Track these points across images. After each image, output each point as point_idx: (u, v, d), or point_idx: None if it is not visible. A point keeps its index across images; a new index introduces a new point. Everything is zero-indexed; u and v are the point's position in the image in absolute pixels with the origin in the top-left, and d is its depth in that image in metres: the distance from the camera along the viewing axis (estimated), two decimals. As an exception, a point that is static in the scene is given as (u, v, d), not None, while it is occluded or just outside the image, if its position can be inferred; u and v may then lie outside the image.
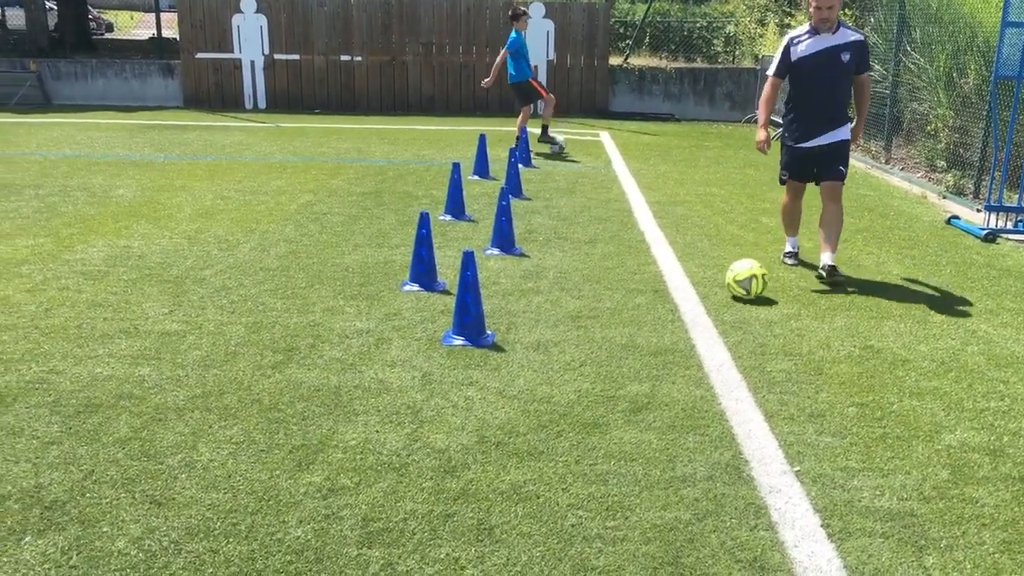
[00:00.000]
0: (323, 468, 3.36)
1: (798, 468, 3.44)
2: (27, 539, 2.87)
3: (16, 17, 20.69)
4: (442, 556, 2.83)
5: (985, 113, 8.48)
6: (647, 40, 19.90)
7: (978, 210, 8.06)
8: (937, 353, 4.71)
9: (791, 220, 6.44)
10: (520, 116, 11.67)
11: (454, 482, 3.27)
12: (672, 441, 3.63)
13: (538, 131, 12.74)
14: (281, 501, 3.12)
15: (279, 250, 6.51)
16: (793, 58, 5.91)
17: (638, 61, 18.02)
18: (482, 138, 9.96)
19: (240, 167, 10.19)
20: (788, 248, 6.49)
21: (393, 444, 3.56)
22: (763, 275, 5.46)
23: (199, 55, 16.34)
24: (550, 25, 16.20)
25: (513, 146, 10.19)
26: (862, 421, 3.86)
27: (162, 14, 18.14)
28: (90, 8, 25.47)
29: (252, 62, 16.38)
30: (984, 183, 8.46)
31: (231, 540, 2.89)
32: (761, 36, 17.55)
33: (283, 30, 16.29)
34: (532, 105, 11.86)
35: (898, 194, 9.53)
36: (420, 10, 16.26)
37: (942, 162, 9.85)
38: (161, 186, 8.93)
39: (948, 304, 5.59)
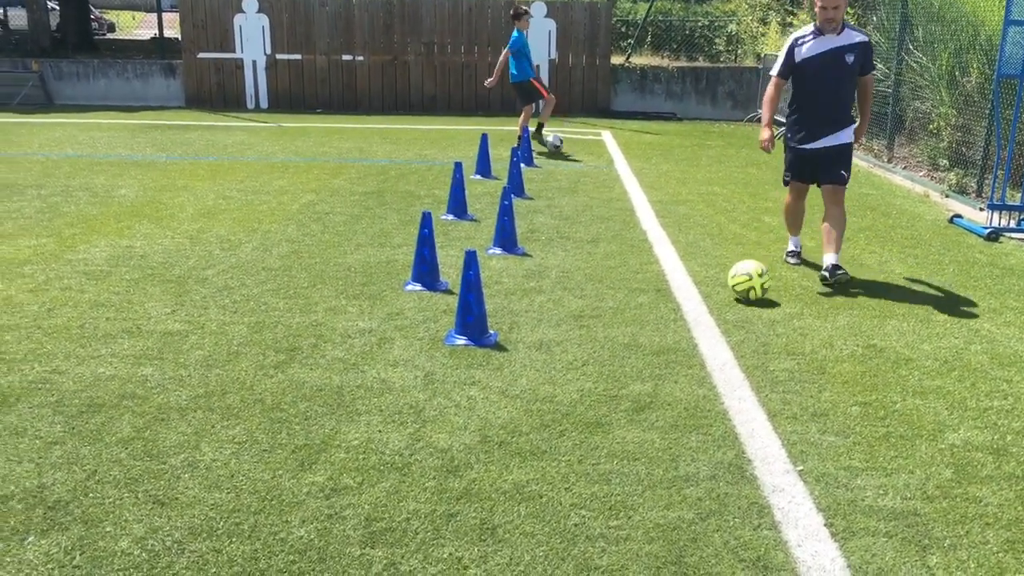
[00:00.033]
0: (326, 468, 3.36)
1: (801, 467, 3.43)
2: (30, 539, 2.87)
3: (18, 17, 20.71)
4: (445, 556, 2.83)
5: (988, 112, 8.47)
6: (649, 39, 19.90)
7: (981, 209, 8.05)
8: (940, 352, 4.70)
9: (794, 220, 6.42)
10: (522, 115, 11.67)
11: (457, 482, 3.27)
12: (675, 440, 3.63)
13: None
14: (284, 501, 3.12)
15: (281, 250, 6.51)
16: (797, 59, 5.86)
17: (640, 60, 18.01)
18: (484, 137, 9.96)
19: (242, 167, 10.20)
20: (791, 247, 6.49)
21: (396, 444, 3.56)
22: (761, 283, 5.38)
23: (201, 55, 16.35)
24: (552, 24, 16.19)
25: (515, 145, 10.19)
26: (865, 420, 3.86)
27: (164, 14, 18.15)
28: (92, 8, 25.49)
29: (254, 62, 16.38)
30: (987, 182, 8.45)
31: (234, 540, 2.89)
32: (763, 35, 17.54)
33: (285, 30, 16.29)
34: (534, 104, 11.85)
35: (900, 193, 9.52)
36: (422, 10, 16.25)
37: (945, 161, 9.83)
38: (163, 186, 8.94)
39: (951, 303, 5.58)
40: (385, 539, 2.91)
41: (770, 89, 6.01)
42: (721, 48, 19.30)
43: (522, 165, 9.43)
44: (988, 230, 7.41)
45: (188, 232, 7.00)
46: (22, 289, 5.46)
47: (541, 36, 15.93)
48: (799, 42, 5.88)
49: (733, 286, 5.46)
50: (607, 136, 13.63)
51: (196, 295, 5.41)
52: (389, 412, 3.84)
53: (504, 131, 13.04)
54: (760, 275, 5.42)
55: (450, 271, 5.92)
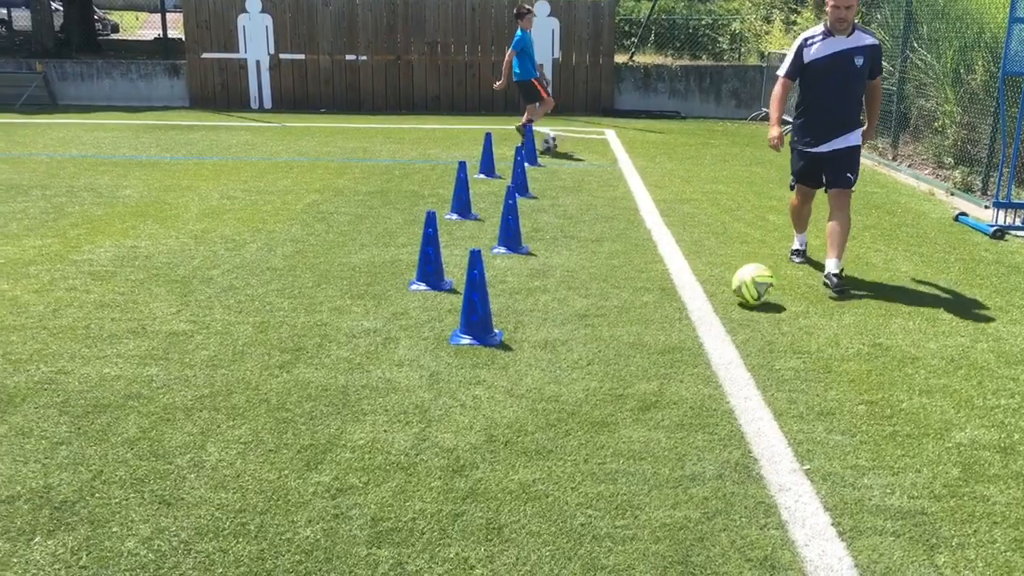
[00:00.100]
0: (332, 468, 3.35)
1: (808, 466, 3.43)
2: (37, 539, 2.88)
3: (22, 18, 20.74)
4: (451, 556, 2.83)
5: (993, 109, 8.45)
6: (652, 38, 19.89)
7: (986, 207, 8.03)
8: (946, 351, 4.69)
9: (800, 220, 6.37)
10: (525, 114, 11.66)
11: (463, 481, 3.27)
12: (681, 440, 3.63)
13: (544, 129, 12.72)
14: (290, 501, 3.12)
15: (286, 250, 6.51)
16: (805, 59, 5.75)
17: (643, 59, 18.00)
18: (488, 137, 9.95)
19: (246, 167, 10.21)
20: (796, 245, 6.46)
21: (401, 443, 3.56)
22: (757, 286, 5.26)
23: (205, 55, 16.36)
24: (555, 23, 16.18)
25: (519, 144, 10.19)
26: (872, 419, 3.85)
27: (167, 14, 18.19)
28: (95, 9, 25.53)
29: (257, 62, 16.39)
30: (992, 179, 8.42)
31: (240, 540, 2.89)
32: (767, 33, 17.52)
33: (288, 30, 16.30)
34: (537, 103, 11.84)
35: (905, 191, 9.50)
36: (425, 10, 16.25)
37: (949, 159, 9.81)
38: (167, 186, 8.94)
39: (957, 301, 5.57)
40: (391, 539, 2.91)
41: (777, 88, 5.93)
42: (725, 46, 19.29)
43: (526, 164, 9.43)
44: (994, 228, 7.39)
45: (193, 232, 7.01)
46: (27, 289, 5.47)
47: (545, 35, 15.92)
48: (808, 42, 5.76)
49: (733, 292, 5.41)
50: (611, 135, 13.62)
51: (201, 295, 5.41)
52: (394, 412, 3.84)
53: (508, 130, 13.03)
54: (753, 280, 5.28)
55: (454, 270, 5.92)
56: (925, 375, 4.35)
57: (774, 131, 5.88)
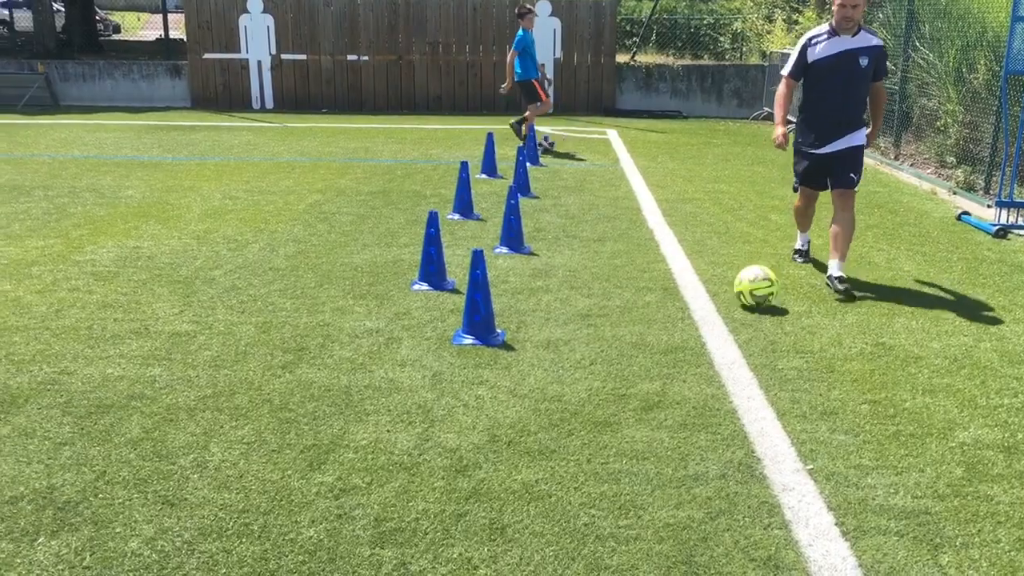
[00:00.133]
0: (335, 468, 3.35)
1: (811, 466, 3.42)
2: (41, 540, 2.88)
3: (24, 19, 20.76)
4: (455, 556, 2.83)
5: (995, 108, 8.44)
6: (654, 37, 19.88)
7: (989, 206, 8.02)
8: (949, 350, 4.68)
9: (803, 220, 6.34)
10: (529, 113, 11.65)
11: (466, 481, 3.27)
12: (684, 439, 3.62)
13: (546, 129, 12.73)
14: (293, 501, 3.12)
15: (288, 250, 6.51)
16: (810, 59, 5.69)
17: (645, 58, 18.00)
18: (490, 137, 9.95)
19: (248, 167, 10.21)
20: (798, 244, 6.45)
21: (404, 444, 3.55)
22: (755, 297, 5.21)
23: (206, 56, 16.37)
24: (556, 23, 16.18)
25: (521, 144, 10.19)
26: (875, 419, 3.85)
27: (169, 15, 18.19)
28: (97, 9, 25.55)
29: (259, 62, 16.40)
30: (994, 179, 8.42)
31: (244, 540, 2.89)
32: (769, 33, 17.52)
33: (290, 30, 16.30)
34: (550, 99, 11.80)
35: (908, 190, 9.49)
36: (427, 10, 16.25)
37: (952, 158, 9.80)
38: (170, 187, 8.95)
39: (960, 301, 5.56)
40: (395, 539, 2.91)
41: (782, 88, 5.88)
42: (726, 46, 19.29)
43: (528, 164, 9.42)
44: (996, 227, 7.38)
45: (195, 233, 7.01)
46: (30, 290, 5.47)
47: (546, 35, 15.92)
48: (813, 41, 5.71)
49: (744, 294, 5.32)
50: (613, 135, 13.61)
51: (204, 295, 5.41)
52: (397, 412, 3.84)
53: (509, 130, 13.01)
54: (751, 291, 5.23)
55: (457, 270, 5.92)
56: (928, 374, 4.35)
57: (779, 130, 5.82)
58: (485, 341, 4.65)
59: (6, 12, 22.08)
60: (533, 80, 11.58)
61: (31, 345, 4.56)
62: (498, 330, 4.79)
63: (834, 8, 5.59)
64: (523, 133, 11.51)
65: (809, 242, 6.47)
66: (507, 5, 16.07)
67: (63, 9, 22.51)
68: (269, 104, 16.54)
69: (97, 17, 25.26)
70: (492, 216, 7.67)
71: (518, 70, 11.55)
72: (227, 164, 10.42)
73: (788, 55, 5.97)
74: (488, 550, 2.86)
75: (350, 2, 16.26)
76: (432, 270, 5.64)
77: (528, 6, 11.68)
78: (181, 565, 2.76)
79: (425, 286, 5.61)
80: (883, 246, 6.92)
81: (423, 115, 16.00)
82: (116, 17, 33.12)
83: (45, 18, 19.01)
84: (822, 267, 6.16)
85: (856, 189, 5.83)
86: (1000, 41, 8.58)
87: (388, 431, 3.66)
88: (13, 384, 4.07)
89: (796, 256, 6.41)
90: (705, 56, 19.23)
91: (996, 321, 5.17)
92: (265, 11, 16.19)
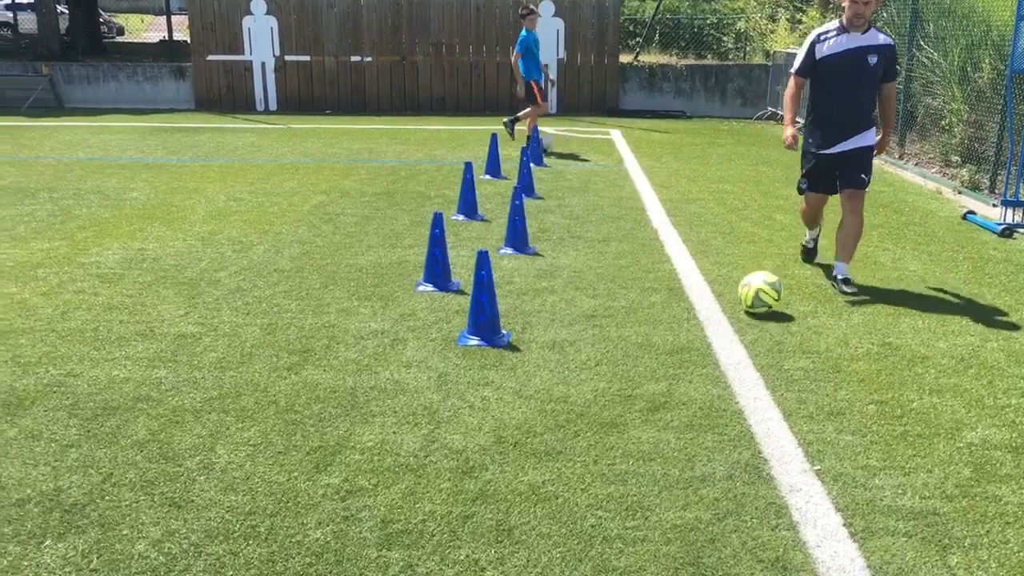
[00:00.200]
0: (341, 469, 3.35)
1: (818, 467, 3.41)
2: (47, 543, 2.88)
3: (28, 21, 20.80)
4: (462, 558, 2.82)
5: (1000, 107, 8.42)
6: (657, 37, 19.88)
7: (994, 205, 8.00)
8: (956, 350, 4.67)
9: (811, 222, 6.18)
10: (531, 114, 11.64)
11: (472, 483, 3.26)
12: (690, 440, 3.61)
13: (550, 129, 12.71)
14: (300, 503, 3.12)
15: (293, 251, 6.51)
16: (817, 56, 5.55)
17: (648, 58, 17.99)
18: (494, 137, 9.95)
19: (252, 169, 10.22)
20: (806, 239, 6.29)
21: (410, 445, 3.55)
22: (755, 292, 5.11)
23: (210, 57, 16.38)
24: (560, 23, 16.17)
25: (524, 145, 10.18)
26: (882, 419, 3.83)
27: (173, 17, 18.20)
28: (100, 12, 25.59)
29: (263, 64, 16.41)
30: (1000, 178, 8.40)
31: (251, 542, 2.89)
32: (772, 32, 17.50)
33: (293, 31, 16.31)
34: (547, 102, 11.77)
35: (913, 190, 9.47)
36: (430, 10, 16.25)
37: (957, 157, 9.78)
38: (174, 188, 8.96)
39: (966, 300, 5.55)
40: (401, 541, 2.91)
41: (790, 86, 5.77)
42: (730, 46, 19.27)
43: (532, 165, 9.42)
44: (1002, 226, 7.36)
45: (200, 234, 7.01)
46: (36, 292, 5.47)
47: (549, 35, 15.91)
48: (821, 38, 5.59)
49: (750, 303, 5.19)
50: (616, 135, 13.61)
51: (209, 297, 5.41)
52: (403, 413, 3.84)
53: (516, 130, 13.01)
54: (747, 310, 5.14)
55: (461, 271, 5.91)
56: (935, 374, 4.34)
57: (788, 131, 5.71)
58: (490, 342, 4.64)
59: (10, 14, 22.14)
60: (532, 82, 11.54)
61: (37, 347, 4.56)
62: (503, 331, 4.78)
63: (845, 4, 5.47)
64: (521, 132, 11.47)
65: (817, 239, 6.29)
66: (510, 5, 16.07)
67: (67, 11, 22.56)
68: (273, 105, 16.55)
69: (101, 19, 25.31)
70: (496, 217, 7.66)
71: (521, 70, 11.54)
72: (231, 166, 10.43)
73: (792, 54, 5.92)
74: (495, 552, 2.85)
75: (353, 3, 16.27)
76: (437, 271, 5.63)
77: (531, 6, 11.66)
78: (188, 567, 2.76)
79: (430, 287, 5.61)
80: (888, 246, 6.91)
81: (427, 116, 16.00)
82: (120, 19, 33.19)
83: (49, 20, 19.06)
84: (828, 268, 6.14)
85: (866, 191, 5.72)
86: (1005, 40, 8.56)
87: (394, 432, 3.66)
88: (19, 386, 4.08)
89: (808, 243, 6.25)
90: (708, 56, 19.21)
91: (1003, 320, 5.16)
92: (268, 13, 16.21)
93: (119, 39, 29.32)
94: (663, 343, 4.70)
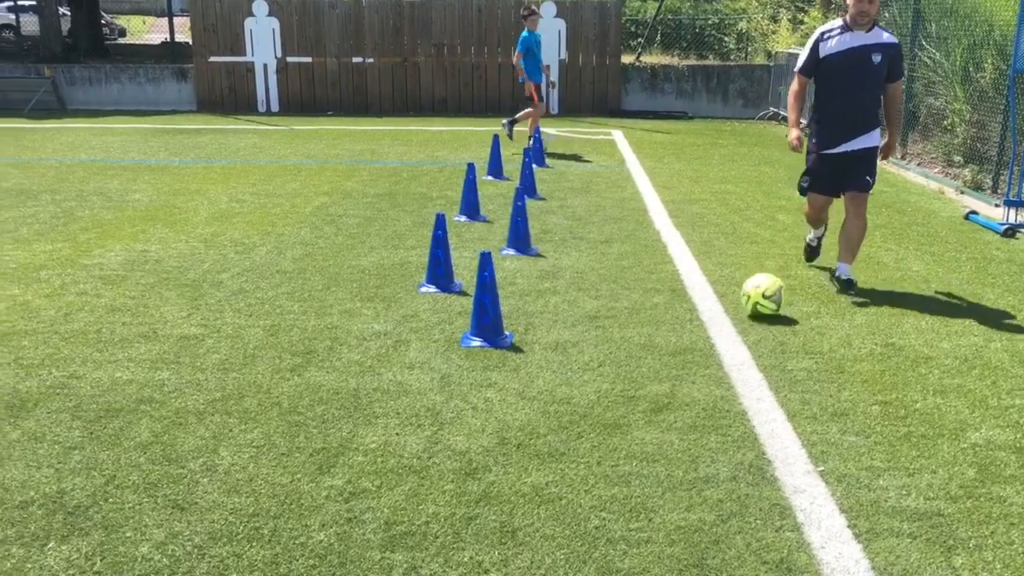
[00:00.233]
0: (344, 471, 3.35)
1: (822, 468, 3.41)
2: (51, 545, 2.88)
3: (30, 23, 20.82)
4: (466, 559, 2.82)
5: (1003, 107, 8.41)
6: (658, 38, 19.87)
7: (996, 205, 7.99)
8: (960, 350, 4.66)
9: (816, 221, 6.06)
10: (533, 116, 11.63)
11: (475, 484, 3.26)
12: (694, 441, 3.61)
13: (552, 130, 12.71)
14: (303, 505, 3.12)
15: (295, 252, 6.51)
16: (821, 54, 5.49)
17: (650, 59, 17.98)
18: (495, 138, 9.95)
19: (255, 170, 10.22)
20: (810, 237, 6.19)
21: (413, 447, 3.55)
22: (760, 296, 5.05)
23: (212, 59, 16.39)
24: (562, 24, 16.17)
25: (526, 146, 10.18)
26: (886, 420, 3.83)
27: (175, 18, 18.22)
28: (102, 13, 25.61)
29: (265, 65, 16.42)
30: (1002, 178, 8.38)
31: (254, 544, 2.89)
32: (774, 32, 17.48)
33: (295, 33, 16.32)
34: (544, 102, 11.78)
35: (915, 190, 9.46)
36: (432, 12, 16.26)
37: (959, 157, 9.77)
38: (177, 190, 8.96)
39: (969, 300, 5.54)
40: (405, 543, 2.90)
41: (794, 86, 5.71)
42: (731, 46, 19.25)
43: (534, 166, 9.41)
44: (1005, 226, 7.35)
45: (202, 236, 7.01)
46: (39, 294, 5.48)
47: (551, 36, 15.91)
48: (825, 36, 5.53)
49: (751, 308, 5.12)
50: (618, 136, 13.60)
51: (211, 299, 5.41)
52: (406, 415, 3.84)
53: (515, 132, 13.00)
54: (762, 293, 5.06)
55: (464, 272, 5.91)
56: (939, 375, 4.33)
57: (793, 133, 5.68)
58: (493, 343, 4.64)
59: (12, 16, 22.16)
60: (531, 83, 11.52)
61: (40, 349, 4.56)
62: (506, 332, 4.78)
63: (849, 2, 5.41)
64: (521, 134, 11.44)
65: (821, 238, 6.18)
66: (512, 6, 16.07)
67: (69, 13, 22.58)
68: (275, 107, 16.56)
69: (103, 21, 25.33)
70: (499, 218, 7.66)
71: (522, 70, 11.52)
72: (233, 167, 10.43)
73: (794, 55, 5.89)
74: (499, 553, 2.85)
75: (355, 5, 16.28)
76: (440, 272, 5.63)
77: (532, 7, 11.65)
78: (192, 570, 2.76)
79: (433, 288, 5.60)
80: (891, 246, 6.90)
81: (428, 117, 16.00)
82: (121, 21, 33.22)
83: (51, 22, 19.07)
84: (831, 270, 6.12)
85: (870, 192, 5.69)
86: (1007, 40, 8.55)
87: (397, 434, 3.65)
88: (22, 388, 4.08)
89: (811, 241, 6.15)
90: (710, 56, 19.20)
91: (1006, 321, 5.15)
92: (270, 14, 16.22)
93: (121, 41, 29.34)
94: (666, 344, 4.70)
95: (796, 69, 5.76)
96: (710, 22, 20.42)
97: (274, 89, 16.50)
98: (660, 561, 2.81)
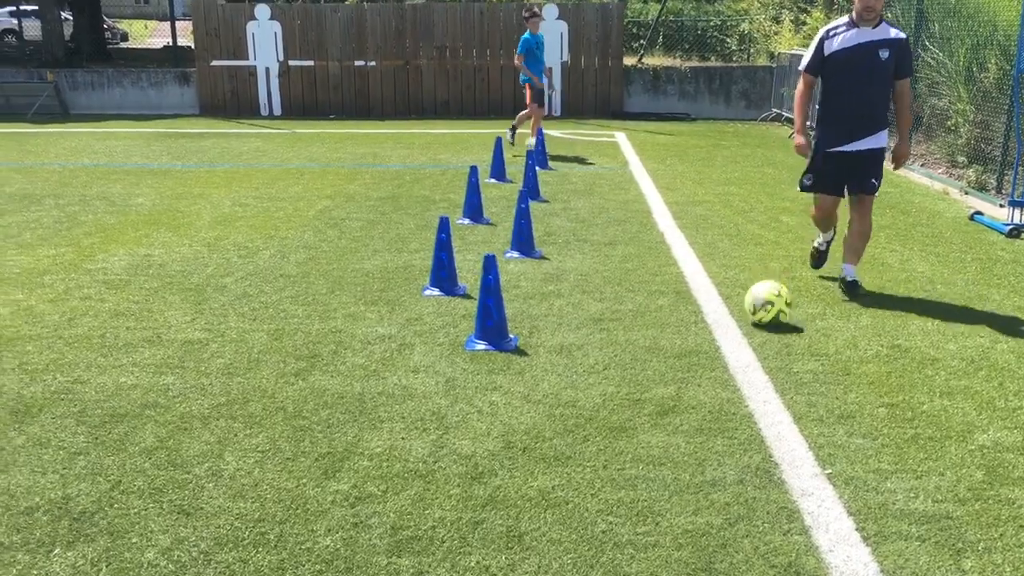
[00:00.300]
0: (350, 476, 3.34)
1: (830, 471, 3.39)
2: (56, 551, 2.87)
3: (32, 28, 20.86)
4: (472, 564, 2.81)
5: (1007, 107, 8.39)
6: (661, 40, 19.86)
7: (1001, 205, 7.97)
8: (966, 351, 4.64)
9: (826, 224, 5.93)
10: (533, 117, 11.63)
11: (482, 489, 3.25)
12: (700, 444, 3.60)
13: (555, 132, 12.69)
14: (309, 510, 3.11)
15: (298, 256, 6.51)
16: (827, 52, 5.36)
17: (652, 61, 17.97)
18: (498, 141, 9.95)
19: (257, 174, 10.22)
20: (818, 242, 6.06)
21: (419, 451, 3.54)
22: (784, 304, 4.97)
23: (214, 63, 16.41)
24: (564, 26, 16.16)
25: (529, 147, 10.17)
26: (893, 422, 3.81)
27: (177, 22, 18.24)
28: (105, 18, 25.65)
29: (267, 69, 16.43)
30: (1007, 178, 8.36)
31: (260, 550, 2.88)
32: (776, 34, 17.46)
33: (297, 36, 16.33)
34: (546, 104, 11.77)
35: (919, 190, 9.44)
36: (434, 15, 16.27)
37: (963, 157, 9.75)
38: (180, 194, 8.96)
39: (975, 301, 5.52)
40: (411, 548, 2.89)
41: (800, 87, 5.60)
42: (734, 47, 19.24)
43: (537, 168, 9.40)
44: (1009, 227, 7.33)
45: (206, 240, 7.01)
46: (42, 299, 5.47)
47: (553, 38, 15.90)
48: (831, 33, 5.42)
49: (758, 319, 4.99)
50: (621, 137, 13.59)
51: (215, 303, 5.41)
52: (411, 419, 3.83)
53: (517, 134, 13.00)
54: (786, 301, 4.97)
55: (468, 275, 5.90)
56: (945, 377, 4.31)
57: (799, 139, 5.59)
58: (498, 346, 4.63)
59: (15, 21, 22.20)
60: (529, 84, 11.50)
61: (44, 354, 4.56)
62: (511, 335, 4.77)
63: None
64: (522, 136, 11.44)
65: (830, 243, 6.03)
66: (514, 9, 16.08)
67: (71, 18, 22.62)
68: (277, 110, 16.57)
69: (105, 25, 25.37)
70: (502, 220, 7.65)
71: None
72: (236, 171, 10.43)
73: (797, 55, 5.84)
74: (506, 558, 2.84)
75: (357, 8, 16.29)
76: (443, 275, 5.62)
77: (534, 9, 11.65)
78: (198, 575, 2.75)
79: (437, 291, 5.60)
80: (896, 247, 6.88)
81: (431, 120, 16.01)
82: (124, 25, 33.28)
83: (53, 27, 19.11)
84: (837, 270, 6.10)
85: (876, 195, 5.61)
86: (1011, 40, 8.53)
87: (403, 438, 3.64)
88: (27, 394, 4.07)
89: (820, 245, 6.00)
90: (712, 58, 19.19)
91: (1012, 322, 5.13)
92: (272, 18, 16.23)
93: (123, 45, 29.39)
94: (671, 346, 4.69)
95: (801, 68, 5.65)
96: (712, 23, 20.41)
97: (276, 93, 16.52)
98: (668, 565, 2.80)
